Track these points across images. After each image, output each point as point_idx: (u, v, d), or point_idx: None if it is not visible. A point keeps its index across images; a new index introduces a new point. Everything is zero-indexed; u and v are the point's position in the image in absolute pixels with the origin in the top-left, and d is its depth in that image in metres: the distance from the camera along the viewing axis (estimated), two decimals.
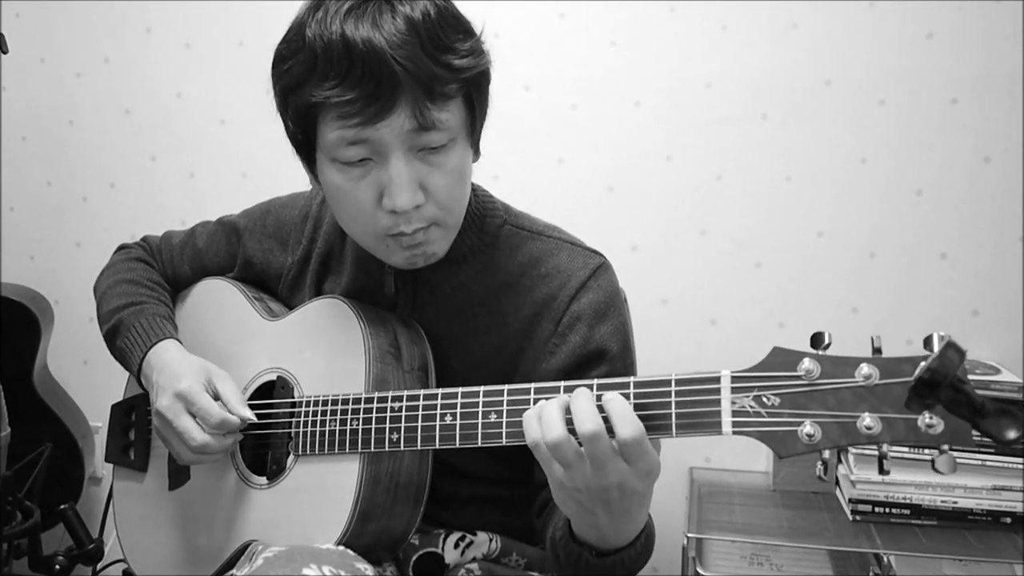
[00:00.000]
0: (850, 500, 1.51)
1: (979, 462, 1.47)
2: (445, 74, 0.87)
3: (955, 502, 1.48)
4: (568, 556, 0.88)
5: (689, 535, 1.49)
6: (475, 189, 1.04)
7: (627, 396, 0.78)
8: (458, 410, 0.88)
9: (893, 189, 1.71)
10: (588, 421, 0.75)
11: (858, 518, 1.50)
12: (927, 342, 0.66)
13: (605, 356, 1.00)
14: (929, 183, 1.70)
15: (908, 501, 1.49)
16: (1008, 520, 1.47)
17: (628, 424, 0.74)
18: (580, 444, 0.76)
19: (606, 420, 0.76)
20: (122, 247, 1.28)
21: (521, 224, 1.06)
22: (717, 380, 0.75)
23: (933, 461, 0.69)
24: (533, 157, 1.84)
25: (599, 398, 0.78)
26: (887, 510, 1.50)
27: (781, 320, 1.78)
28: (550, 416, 0.77)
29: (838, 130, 1.72)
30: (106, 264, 1.26)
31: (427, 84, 0.86)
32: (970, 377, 1.63)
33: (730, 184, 1.78)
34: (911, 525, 1.49)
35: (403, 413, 0.91)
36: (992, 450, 1.46)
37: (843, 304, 1.75)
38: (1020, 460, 1.47)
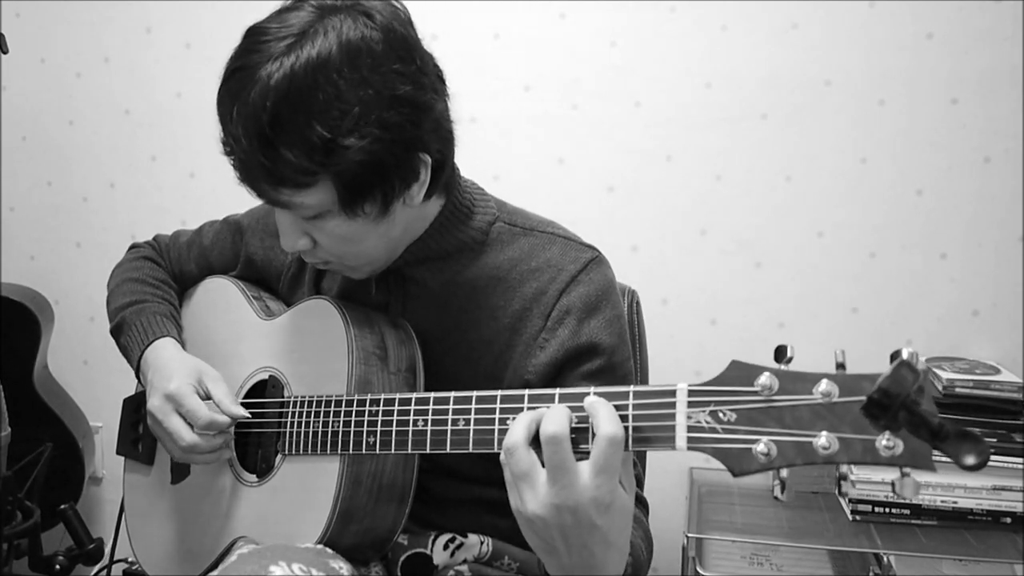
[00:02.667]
0: (850, 500, 1.51)
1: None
2: (286, 170, 0.85)
3: (955, 502, 1.48)
4: None
5: (689, 535, 1.49)
6: (466, 185, 1.04)
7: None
8: (429, 416, 0.87)
9: (893, 189, 1.71)
10: (552, 423, 0.73)
11: (858, 518, 1.50)
12: (894, 357, 0.63)
13: (597, 350, 0.99)
14: (929, 183, 1.70)
15: (908, 501, 1.49)
16: (1008, 520, 1.47)
17: (611, 423, 0.72)
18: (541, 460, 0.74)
19: (582, 422, 0.75)
20: (133, 246, 1.30)
21: (514, 221, 1.05)
22: (672, 393, 0.73)
23: (894, 484, 0.66)
24: (533, 157, 1.84)
25: (582, 397, 0.76)
26: (887, 510, 1.50)
27: (781, 320, 1.78)
28: (514, 424, 0.76)
29: (838, 130, 1.72)
30: (117, 263, 1.28)
31: (267, 174, 0.86)
32: (970, 378, 1.62)
33: (730, 184, 1.78)
34: (911, 525, 1.49)
35: (379, 417, 0.91)
36: (993, 450, 1.46)
37: (843, 304, 1.75)
38: (1020, 460, 1.47)
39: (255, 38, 0.88)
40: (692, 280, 1.81)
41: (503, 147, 1.82)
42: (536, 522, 0.75)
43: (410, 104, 0.86)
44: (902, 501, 1.49)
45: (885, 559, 1.45)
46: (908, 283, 1.72)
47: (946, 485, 1.48)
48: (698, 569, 1.48)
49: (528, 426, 0.75)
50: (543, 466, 0.74)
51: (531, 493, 0.74)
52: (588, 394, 0.77)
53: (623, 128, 1.81)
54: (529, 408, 0.79)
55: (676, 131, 1.79)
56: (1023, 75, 1.63)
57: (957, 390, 1.50)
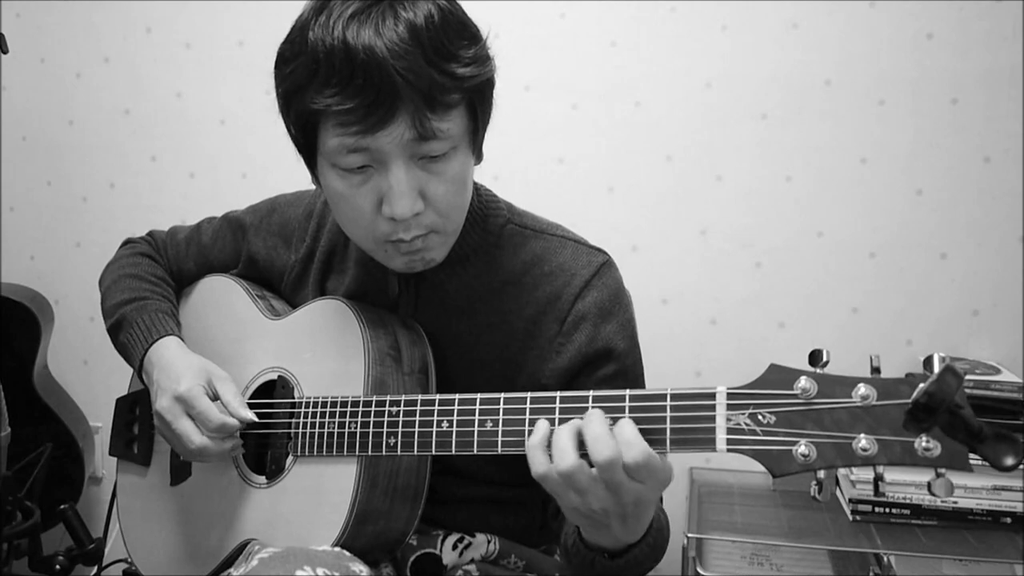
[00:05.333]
0: (850, 500, 1.51)
1: (979, 462, 1.47)
2: (447, 83, 0.85)
3: (955, 502, 1.48)
4: (582, 561, 0.88)
5: (689, 535, 1.49)
6: (478, 188, 1.04)
7: (622, 410, 0.78)
8: (455, 417, 0.87)
9: (893, 189, 1.71)
10: (605, 448, 0.74)
11: (858, 518, 1.50)
12: (927, 363, 0.66)
13: (612, 355, 1.00)
14: (929, 183, 1.70)
15: (908, 501, 1.49)
16: (1008, 520, 1.47)
17: (634, 448, 0.74)
18: (592, 466, 0.75)
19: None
20: (128, 241, 1.28)
21: (524, 223, 1.06)
22: (712, 396, 0.75)
23: (930, 484, 0.68)
24: (533, 157, 1.84)
25: (616, 399, 0.78)
26: (887, 510, 1.50)
27: (781, 320, 1.78)
28: (562, 445, 0.76)
29: (838, 130, 1.72)
30: (111, 258, 1.25)
31: (428, 94, 0.84)
32: (970, 378, 1.62)
33: (730, 184, 1.78)
34: (911, 525, 1.49)
35: (400, 418, 0.91)
36: None
37: (843, 304, 1.75)
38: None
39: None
40: (692, 280, 1.81)
41: (503, 147, 1.82)
42: (598, 513, 0.78)
43: None
44: (903, 501, 1.49)
45: (885, 559, 1.45)
46: (908, 283, 1.72)
47: None
48: (698, 569, 1.48)
49: (575, 444, 0.76)
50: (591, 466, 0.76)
51: (594, 496, 0.76)
52: (623, 396, 0.78)
53: (623, 128, 1.81)
54: (561, 408, 0.81)
55: (676, 131, 1.79)
56: (1023, 75, 1.63)
57: None
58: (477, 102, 0.91)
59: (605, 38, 1.80)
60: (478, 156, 0.97)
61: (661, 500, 1.02)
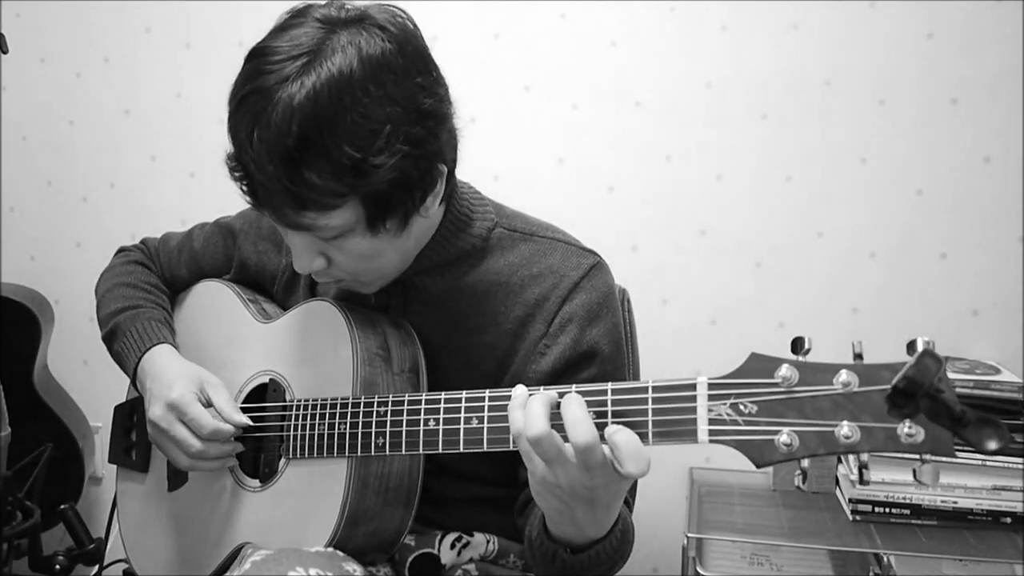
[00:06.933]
0: (850, 500, 1.51)
1: (979, 462, 1.47)
2: (317, 191, 0.82)
3: (955, 502, 1.48)
4: (544, 554, 0.88)
5: (689, 535, 1.49)
6: (463, 191, 1.04)
7: (604, 403, 0.78)
8: (441, 415, 0.88)
9: (893, 189, 1.71)
10: (582, 433, 0.73)
11: (858, 518, 1.50)
12: (910, 347, 0.65)
13: (595, 358, 1.00)
14: (929, 183, 1.70)
15: (908, 501, 1.48)
16: (1008, 520, 1.47)
17: (581, 432, 0.73)
18: (565, 440, 0.75)
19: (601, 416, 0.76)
20: (121, 250, 1.29)
21: (514, 226, 1.05)
22: (693, 387, 0.74)
23: (915, 471, 0.68)
24: (533, 157, 1.84)
25: (600, 393, 0.78)
26: (887, 510, 1.50)
27: (781, 320, 1.78)
28: (533, 411, 0.75)
29: (838, 130, 1.72)
30: (105, 267, 1.26)
31: (292, 198, 0.83)
32: (970, 378, 1.62)
33: (730, 184, 1.78)
34: (911, 525, 1.49)
35: (388, 417, 0.91)
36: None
37: (843, 304, 1.75)
38: (1020, 460, 1.47)
39: (263, 59, 0.84)
40: (692, 280, 1.81)
41: (503, 147, 1.82)
42: (561, 492, 0.77)
43: (432, 117, 0.86)
44: (903, 501, 1.49)
45: (885, 559, 1.45)
46: (908, 283, 1.72)
47: (946, 485, 1.48)
48: (698, 569, 1.48)
49: (547, 413, 0.75)
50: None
51: (561, 471, 0.75)
52: (605, 390, 0.78)
53: (623, 128, 1.81)
54: None
55: (676, 131, 1.79)
56: (1023, 75, 1.63)
57: (957, 390, 1.50)
58: (373, 198, 0.85)
59: (605, 38, 1.80)
60: (403, 226, 0.91)
61: (631, 502, 1.02)
